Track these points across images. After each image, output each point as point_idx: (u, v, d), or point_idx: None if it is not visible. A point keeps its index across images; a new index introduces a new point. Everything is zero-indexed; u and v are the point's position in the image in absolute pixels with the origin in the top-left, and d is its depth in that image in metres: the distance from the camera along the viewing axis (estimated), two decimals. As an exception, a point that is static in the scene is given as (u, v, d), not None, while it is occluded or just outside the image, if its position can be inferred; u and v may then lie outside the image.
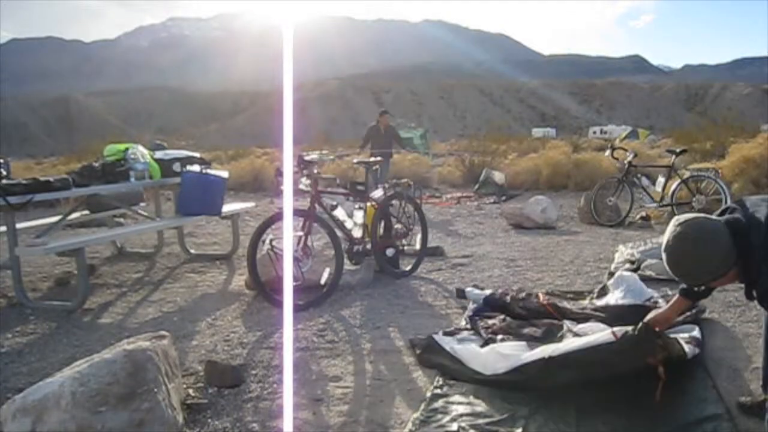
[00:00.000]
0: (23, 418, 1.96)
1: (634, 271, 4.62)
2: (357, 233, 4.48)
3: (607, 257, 5.21)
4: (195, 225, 6.93)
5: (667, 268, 1.93)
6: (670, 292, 4.04)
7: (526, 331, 3.02)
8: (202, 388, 2.66)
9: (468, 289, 3.91)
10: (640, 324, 2.40)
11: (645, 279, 4.35)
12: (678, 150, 7.75)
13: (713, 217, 1.95)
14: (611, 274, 4.66)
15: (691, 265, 1.87)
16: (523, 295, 3.62)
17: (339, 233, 4.27)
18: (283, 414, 2.39)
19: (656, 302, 3.40)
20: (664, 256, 1.92)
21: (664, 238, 1.92)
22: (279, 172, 4.36)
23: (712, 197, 7.02)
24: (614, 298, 3.58)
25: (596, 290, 3.88)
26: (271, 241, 3.98)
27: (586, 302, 3.68)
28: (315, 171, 4.26)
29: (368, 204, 4.62)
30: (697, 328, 3.02)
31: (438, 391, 2.57)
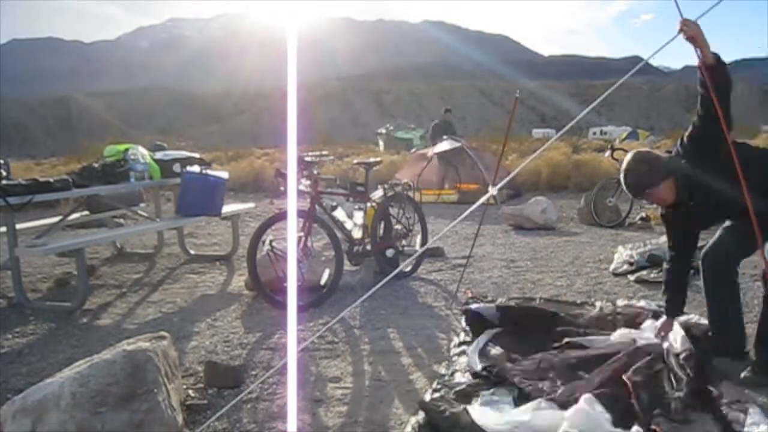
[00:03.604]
0: (23, 419, 1.96)
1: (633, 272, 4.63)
2: (357, 234, 4.49)
3: (607, 258, 5.21)
4: (195, 226, 6.93)
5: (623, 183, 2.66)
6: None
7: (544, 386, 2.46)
8: (202, 388, 2.66)
9: (473, 306, 3.44)
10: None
11: (642, 282, 4.38)
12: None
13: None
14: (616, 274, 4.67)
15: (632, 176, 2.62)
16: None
17: (339, 234, 4.27)
18: (282, 415, 2.39)
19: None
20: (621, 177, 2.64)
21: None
22: (279, 173, 4.36)
23: (712, 198, 7.01)
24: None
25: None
26: (271, 241, 3.98)
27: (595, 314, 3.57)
28: (315, 172, 4.26)
29: (368, 205, 4.62)
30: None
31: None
